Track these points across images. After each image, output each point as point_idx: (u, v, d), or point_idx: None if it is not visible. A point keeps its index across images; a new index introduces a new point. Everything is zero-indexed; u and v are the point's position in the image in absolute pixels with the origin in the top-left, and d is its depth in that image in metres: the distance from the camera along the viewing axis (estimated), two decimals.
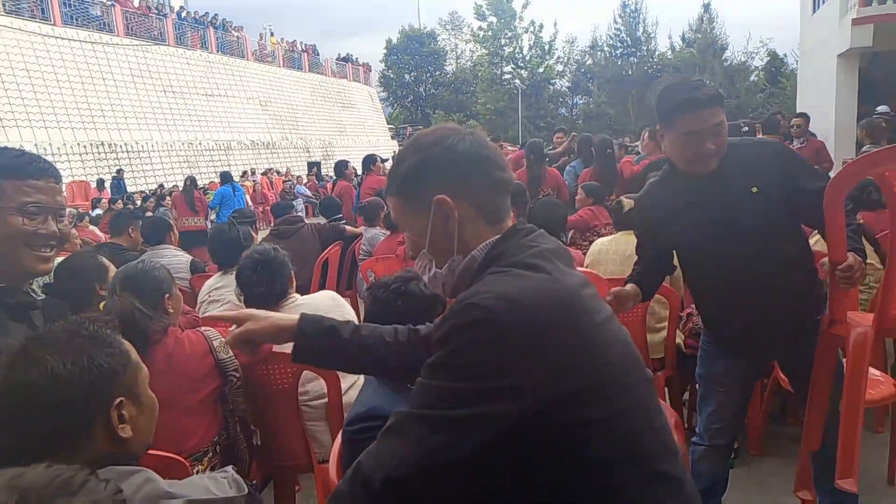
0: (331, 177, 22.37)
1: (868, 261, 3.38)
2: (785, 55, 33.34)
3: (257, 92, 25.41)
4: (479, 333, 0.96)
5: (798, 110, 16.84)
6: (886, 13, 11.97)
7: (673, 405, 3.42)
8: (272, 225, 5.29)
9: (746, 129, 7.09)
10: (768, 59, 34.75)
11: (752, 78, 35.21)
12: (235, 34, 25.77)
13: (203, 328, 2.43)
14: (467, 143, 1.14)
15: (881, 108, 10.10)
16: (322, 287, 5.04)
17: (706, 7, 36.42)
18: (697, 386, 2.46)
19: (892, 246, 1.98)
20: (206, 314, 3.36)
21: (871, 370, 2.98)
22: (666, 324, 3.25)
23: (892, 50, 13.17)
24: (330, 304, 2.64)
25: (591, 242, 4.23)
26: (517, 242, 1.11)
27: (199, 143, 21.45)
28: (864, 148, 8.23)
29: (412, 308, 1.76)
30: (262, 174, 20.53)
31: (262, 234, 9.46)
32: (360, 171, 8.46)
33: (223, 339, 2.31)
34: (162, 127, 20.39)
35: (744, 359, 2.27)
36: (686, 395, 3.58)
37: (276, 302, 2.62)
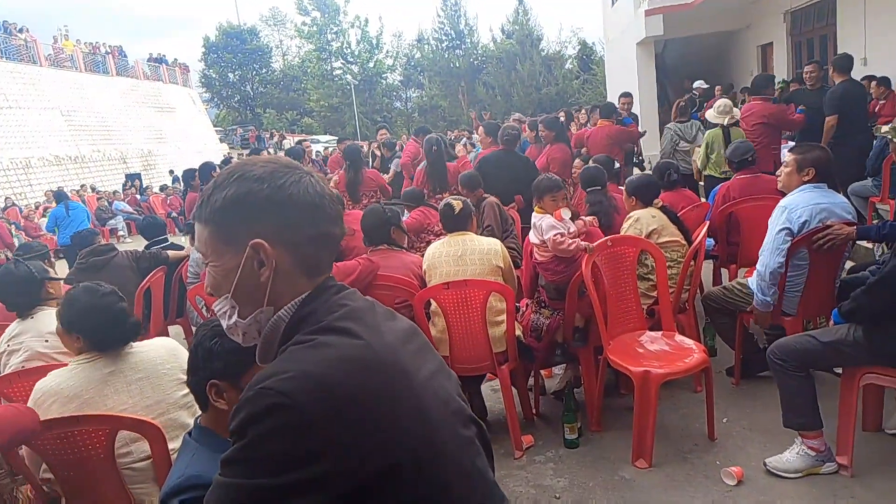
0: (154, 190, 20.68)
1: (672, 238, 3.73)
2: (593, 43, 36.14)
3: (57, 101, 22.66)
4: (277, 421, 0.86)
5: (608, 94, 18.37)
6: (672, 4, 13.36)
7: (520, 396, 3.53)
8: (78, 257, 4.65)
9: (563, 118, 7.60)
10: (579, 47, 37.46)
11: (567, 66, 37.80)
12: (22, 37, 22.74)
13: None
14: (302, 187, 1.00)
15: (697, 84, 11.22)
16: (147, 320, 4.59)
17: (520, 0, 38.46)
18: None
19: None
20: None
21: (683, 339, 3.28)
22: (504, 317, 3.32)
23: (680, 37, 14.79)
24: (164, 356, 2.37)
25: (427, 243, 4.25)
26: (326, 302, 1.01)
27: None
28: (669, 126, 9.05)
29: (228, 349, 1.55)
30: (74, 192, 18.41)
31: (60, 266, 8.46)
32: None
33: None
34: None
35: None
36: (531, 383, 3.72)
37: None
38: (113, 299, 2.35)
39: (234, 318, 1.05)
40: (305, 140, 10.49)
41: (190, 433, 1.56)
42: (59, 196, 10.51)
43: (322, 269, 1.06)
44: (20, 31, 22.91)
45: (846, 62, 5.97)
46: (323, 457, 0.86)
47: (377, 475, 0.89)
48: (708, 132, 6.52)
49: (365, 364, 0.93)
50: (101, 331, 2.29)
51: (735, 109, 6.35)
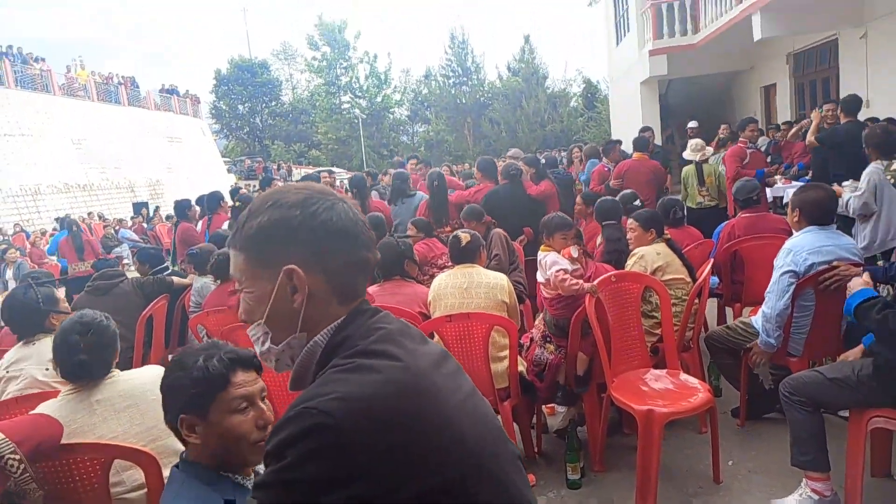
0: (161, 219, 20.78)
1: (677, 275, 3.71)
2: (598, 81, 36.65)
3: (69, 129, 23.00)
4: (318, 442, 0.85)
5: (612, 132, 18.54)
6: (676, 45, 13.60)
7: (522, 433, 3.47)
8: (89, 280, 4.74)
9: (543, 160, 7.71)
10: (584, 85, 37.98)
11: (572, 103, 38.27)
12: (38, 67, 23.21)
13: None
14: (336, 212, 1.02)
15: (692, 124, 11.36)
16: (148, 347, 4.57)
17: (527, 39, 39.16)
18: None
19: None
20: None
21: (688, 378, 3.24)
22: (507, 352, 3.29)
23: (683, 77, 15.00)
24: (152, 383, 2.33)
25: (431, 276, 4.24)
26: (361, 325, 1.01)
27: None
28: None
29: (190, 381, 1.55)
30: (82, 219, 18.51)
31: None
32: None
33: None
34: None
35: None
36: (533, 421, 3.66)
37: (100, 377, 2.30)
38: (91, 328, 2.35)
39: (268, 343, 1.05)
40: (323, 172, 10.67)
41: (177, 465, 1.56)
42: (63, 222, 10.71)
43: (356, 294, 1.06)
44: (36, 60, 23.39)
45: (853, 104, 6.02)
46: (361, 479, 0.85)
47: (413, 498, 0.88)
48: (684, 169, 7.07)
49: (405, 386, 0.93)
50: (66, 363, 2.29)
51: (707, 148, 7.20)
